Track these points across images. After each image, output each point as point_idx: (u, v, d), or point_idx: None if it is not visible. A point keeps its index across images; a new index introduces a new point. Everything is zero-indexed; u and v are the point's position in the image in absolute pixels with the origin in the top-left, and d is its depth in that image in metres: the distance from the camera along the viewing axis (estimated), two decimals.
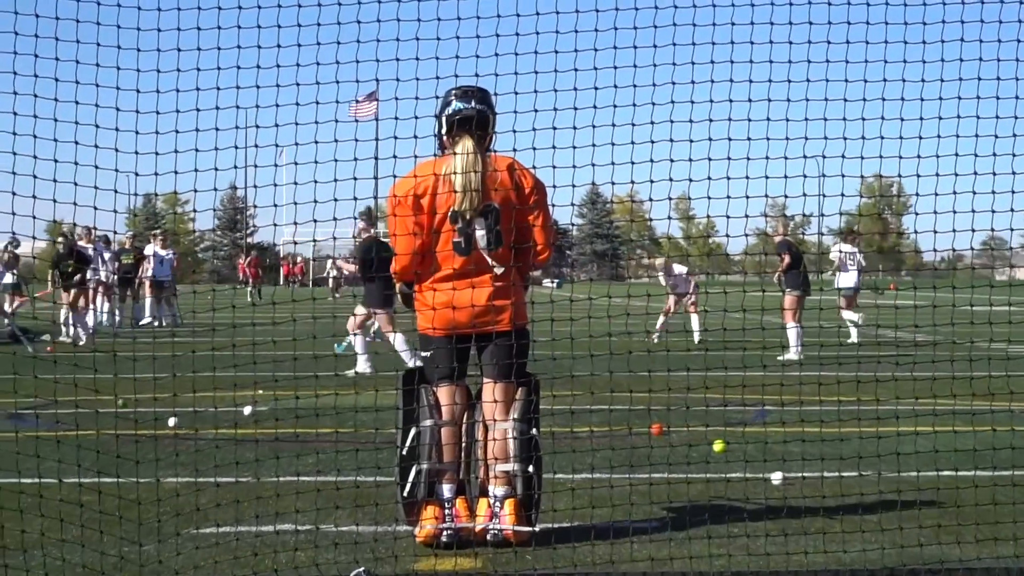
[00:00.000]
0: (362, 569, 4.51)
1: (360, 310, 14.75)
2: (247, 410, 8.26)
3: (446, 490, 5.91)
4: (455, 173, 5.87)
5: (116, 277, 23.71)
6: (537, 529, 5.79)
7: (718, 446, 8.11)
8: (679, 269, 21.07)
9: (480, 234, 5.93)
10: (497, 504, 5.88)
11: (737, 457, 7.57)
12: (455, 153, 5.94)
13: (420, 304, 6.02)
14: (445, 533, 5.78)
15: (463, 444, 6.04)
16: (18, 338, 18.35)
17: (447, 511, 5.85)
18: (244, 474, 6.25)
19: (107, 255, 23.40)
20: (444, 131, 6.02)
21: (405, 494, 5.90)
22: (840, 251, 19.75)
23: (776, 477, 6.97)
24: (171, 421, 8.60)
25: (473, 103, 5.98)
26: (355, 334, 14.86)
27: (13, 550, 5.20)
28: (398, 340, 14.39)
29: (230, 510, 5.96)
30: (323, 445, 7.42)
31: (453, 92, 6.01)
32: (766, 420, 9.80)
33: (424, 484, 5.87)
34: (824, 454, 6.30)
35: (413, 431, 5.97)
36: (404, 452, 5.96)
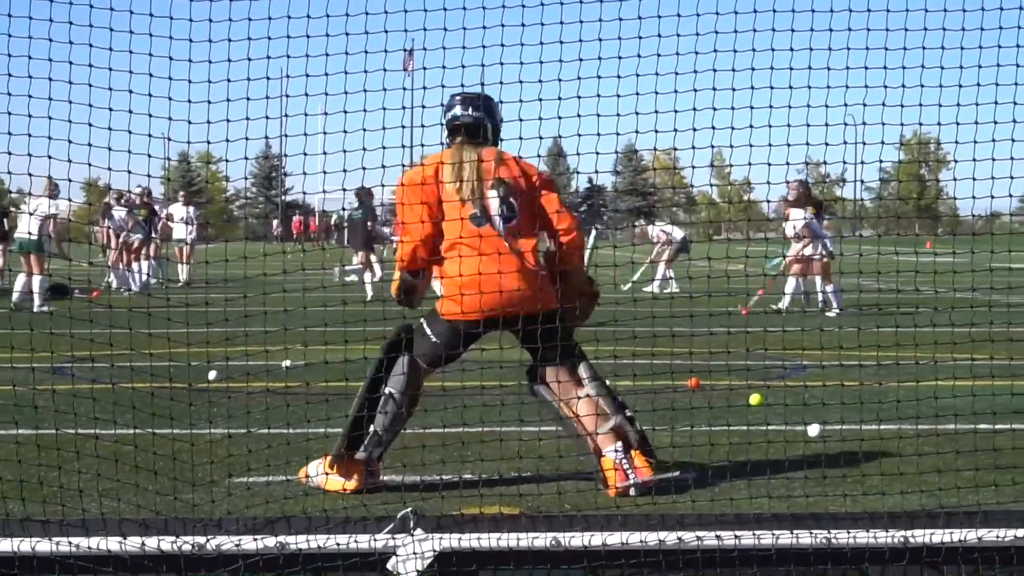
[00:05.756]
0: (409, 510, 4.62)
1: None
2: (286, 363, 8.42)
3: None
4: (460, 161, 5.93)
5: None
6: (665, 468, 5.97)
7: (755, 399, 8.20)
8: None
9: (493, 204, 5.93)
10: (624, 460, 5.97)
11: (776, 409, 7.64)
12: (458, 148, 6.02)
13: (448, 287, 5.95)
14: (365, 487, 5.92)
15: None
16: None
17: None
18: (294, 425, 6.40)
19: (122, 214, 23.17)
20: (445, 134, 6.12)
21: (345, 447, 5.97)
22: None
23: (813, 429, 7.03)
24: (211, 374, 8.78)
25: (470, 110, 6.06)
26: None
27: (70, 491, 5.35)
28: None
29: (280, 458, 6.09)
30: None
31: (456, 97, 6.08)
32: (805, 374, 9.86)
33: (369, 445, 5.97)
34: (862, 407, 6.36)
35: (386, 391, 5.97)
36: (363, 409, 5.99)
